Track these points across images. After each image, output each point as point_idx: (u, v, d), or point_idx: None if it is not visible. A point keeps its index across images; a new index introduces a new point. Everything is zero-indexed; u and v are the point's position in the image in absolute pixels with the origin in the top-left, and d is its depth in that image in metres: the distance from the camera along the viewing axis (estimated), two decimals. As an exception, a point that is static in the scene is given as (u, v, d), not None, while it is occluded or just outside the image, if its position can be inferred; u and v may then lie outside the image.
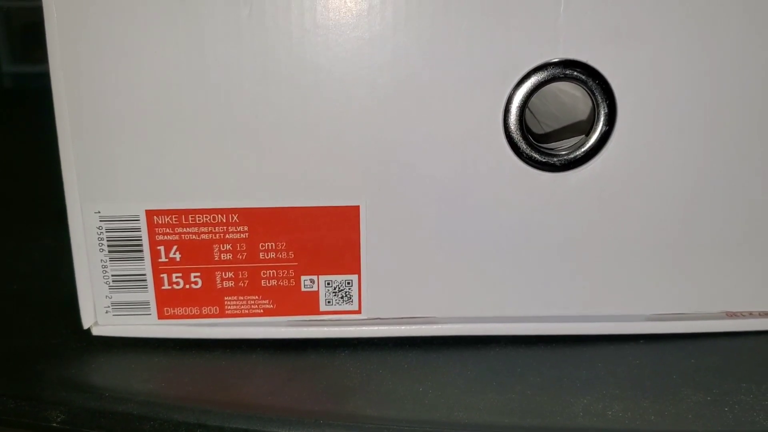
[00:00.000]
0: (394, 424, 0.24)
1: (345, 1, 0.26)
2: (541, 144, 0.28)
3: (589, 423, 0.24)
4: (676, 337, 0.30)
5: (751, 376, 0.27)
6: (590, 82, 0.27)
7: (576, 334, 0.30)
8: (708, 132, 0.27)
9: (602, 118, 0.27)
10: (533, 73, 0.27)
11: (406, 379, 0.27)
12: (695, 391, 0.26)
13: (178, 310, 0.29)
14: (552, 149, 0.28)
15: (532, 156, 0.27)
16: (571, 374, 0.27)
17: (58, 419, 0.26)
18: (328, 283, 0.29)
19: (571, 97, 0.32)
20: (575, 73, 0.27)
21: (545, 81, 0.27)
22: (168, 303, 0.29)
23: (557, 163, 0.28)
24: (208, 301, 0.29)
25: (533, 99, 0.32)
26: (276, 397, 0.26)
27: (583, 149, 0.27)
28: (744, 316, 0.30)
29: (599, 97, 0.27)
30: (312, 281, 0.29)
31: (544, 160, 0.27)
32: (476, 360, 0.29)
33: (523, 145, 0.27)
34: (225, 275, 0.28)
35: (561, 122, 0.32)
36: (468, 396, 0.26)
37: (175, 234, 0.28)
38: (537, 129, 0.33)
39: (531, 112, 0.33)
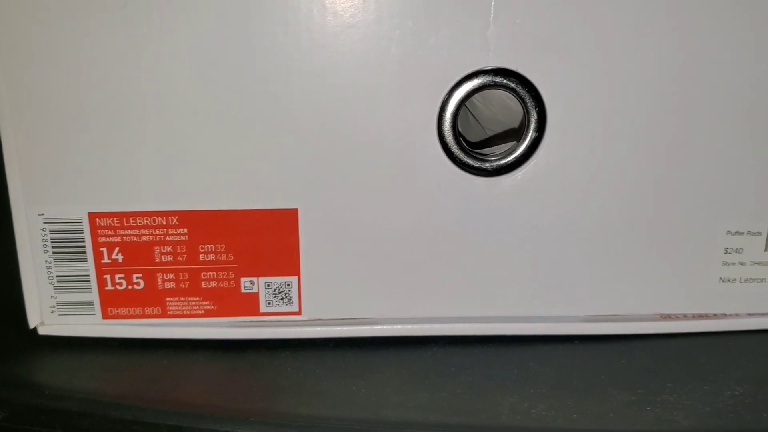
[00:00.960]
0: (322, 422, 0.25)
1: (280, 10, 0.26)
2: (476, 150, 0.29)
3: (512, 421, 0.25)
4: (610, 338, 0.31)
5: (678, 376, 0.28)
6: (520, 90, 0.27)
7: (512, 335, 0.30)
8: (636, 137, 0.28)
9: (532, 125, 0.28)
10: (465, 81, 0.27)
11: (341, 378, 0.28)
12: (621, 391, 0.27)
13: (122, 311, 0.29)
14: (486, 154, 0.29)
15: (465, 161, 0.28)
16: (503, 374, 0.28)
17: (0, 417, 0.27)
18: (268, 285, 0.29)
19: (518, 103, 0.32)
20: (506, 81, 0.27)
21: (477, 89, 0.27)
22: (111, 303, 0.29)
23: (490, 169, 0.28)
24: (151, 301, 0.29)
25: (479, 105, 0.32)
26: (211, 395, 0.27)
27: (514, 155, 0.28)
28: (678, 318, 0.31)
29: (529, 105, 0.28)
30: (252, 283, 0.29)
31: (477, 166, 0.28)
32: (413, 360, 0.29)
33: (456, 151, 0.28)
34: (166, 276, 0.29)
35: (505, 127, 0.33)
36: (399, 395, 0.27)
37: (117, 236, 0.28)
38: (481, 135, 0.34)
39: (475, 118, 0.34)
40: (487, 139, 0.33)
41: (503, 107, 0.33)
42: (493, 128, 0.33)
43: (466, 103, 0.33)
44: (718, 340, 0.30)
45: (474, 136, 0.34)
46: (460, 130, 0.32)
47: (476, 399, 0.26)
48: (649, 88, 0.27)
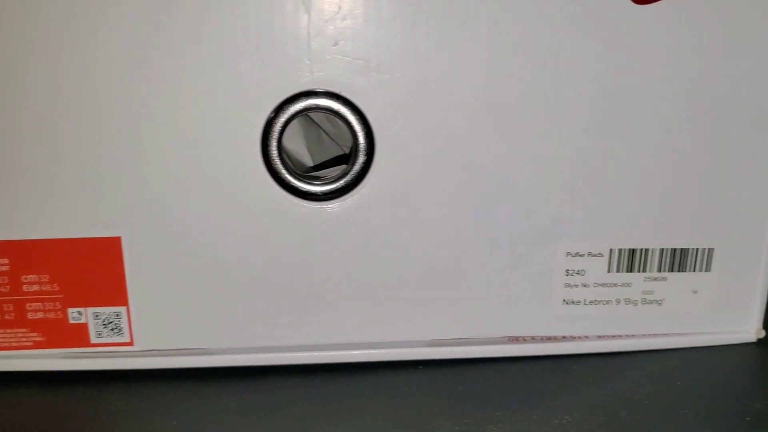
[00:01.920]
0: (128, 462, 0.24)
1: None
2: (312, 173, 0.28)
3: (324, 457, 0.24)
4: (458, 362, 0.30)
5: (510, 403, 0.27)
6: (345, 113, 0.27)
7: (354, 362, 0.30)
8: (464, 159, 0.27)
9: (361, 149, 0.27)
10: (289, 104, 0.27)
11: (165, 412, 0.27)
12: (447, 421, 0.26)
13: (-57, 345, 0.28)
14: (318, 178, 0.28)
15: (293, 185, 0.27)
16: (335, 405, 0.27)
17: None
18: (97, 315, 0.28)
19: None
20: (330, 105, 0.27)
21: (301, 111, 0.27)
22: (-68, 337, 0.28)
23: (319, 193, 0.27)
24: (-28, 335, 0.28)
25: (327, 123, 0.32)
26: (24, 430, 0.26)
27: (343, 180, 0.27)
28: (526, 340, 0.30)
29: (356, 128, 0.27)
30: (80, 313, 0.28)
31: (305, 190, 0.27)
32: (248, 391, 0.28)
33: (284, 175, 0.27)
34: (-14, 309, 0.28)
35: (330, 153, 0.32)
36: (219, 429, 0.26)
37: (-67, 267, 0.27)
38: (338, 151, 0.33)
39: (329, 136, 0.33)
40: (342, 156, 0.32)
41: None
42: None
43: (317, 121, 0.32)
44: (562, 364, 0.30)
45: (329, 155, 0.33)
46: (309, 149, 0.31)
47: (297, 432, 0.25)
48: (473, 108, 0.27)
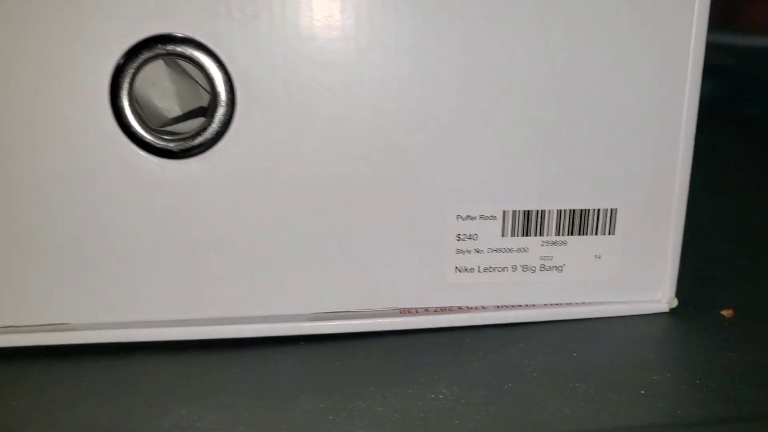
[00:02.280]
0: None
1: None
2: (164, 128, 0.25)
3: (166, 438, 0.22)
4: (345, 337, 0.28)
5: (387, 378, 0.25)
6: (202, 61, 0.24)
7: (228, 338, 0.27)
8: (340, 114, 0.25)
9: (221, 101, 0.25)
10: (141, 51, 0.24)
11: (10, 395, 0.24)
12: (315, 398, 0.24)
13: None
14: (175, 134, 0.25)
15: (147, 141, 0.25)
16: (195, 383, 0.25)
17: None
18: (-62, 288, 0.26)
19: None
20: (186, 51, 0.24)
21: (154, 57, 0.24)
22: None
23: (176, 150, 0.25)
24: None
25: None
26: None
27: (202, 135, 0.25)
28: (419, 312, 0.28)
29: (214, 77, 0.24)
30: None
31: (161, 146, 0.25)
32: (103, 370, 0.26)
33: (136, 129, 0.25)
34: None
35: (196, 105, 0.29)
36: (61, 411, 0.23)
37: None
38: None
39: (201, 85, 0.30)
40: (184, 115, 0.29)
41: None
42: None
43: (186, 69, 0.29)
44: (456, 337, 0.27)
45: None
46: (180, 101, 0.28)
47: (142, 413, 0.23)
48: (349, 58, 0.24)
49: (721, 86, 0.64)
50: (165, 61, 0.26)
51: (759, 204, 0.45)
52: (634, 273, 0.28)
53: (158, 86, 0.27)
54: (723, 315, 0.29)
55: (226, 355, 0.27)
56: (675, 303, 0.29)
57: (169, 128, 0.26)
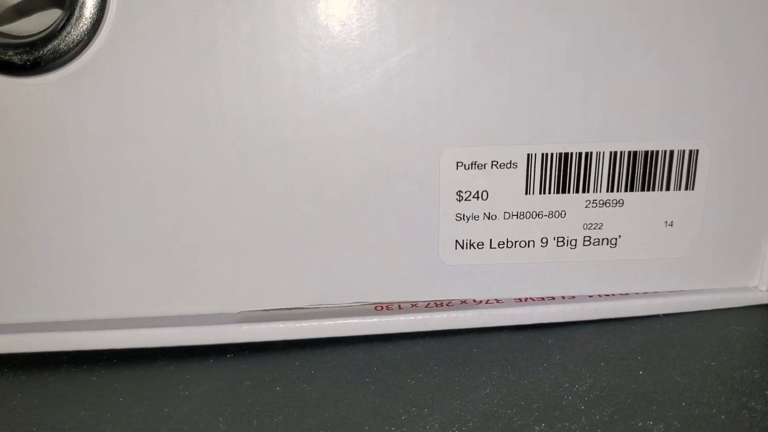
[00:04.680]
0: None
1: None
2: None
3: None
4: (290, 345, 0.19)
5: (349, 416, 0.16)
6: None
7: (139, 347, 0.18)
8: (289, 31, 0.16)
9: (82, -20, 0.16)
10: None
11: None
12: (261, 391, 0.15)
13: None
14: (20, 36, 0.16)
15: (-28, 49, 0.16)
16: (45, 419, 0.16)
17: None
18: None
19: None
20: None
21: None
22: None
23: (18, 62, 0.16)
24: None
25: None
26: None
27: (58, 38, 0.16)
28: (402, 309, 0.19)
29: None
30: None
31: (-4, 57, 0.16)
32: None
33: (-45, 31, 0.16)
34: None
35: None
36: None
37: None
38: None
39: None
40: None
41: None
42: None
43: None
44: (458, 346, 0.18)
45: None
46: None
47: None
48: None
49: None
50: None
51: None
52: (722, 248, 0.19)
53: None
54: None
55: (138, 367, 0.18)
56: (779, 292, 0.20)
57: (3, 27, 0.17)
